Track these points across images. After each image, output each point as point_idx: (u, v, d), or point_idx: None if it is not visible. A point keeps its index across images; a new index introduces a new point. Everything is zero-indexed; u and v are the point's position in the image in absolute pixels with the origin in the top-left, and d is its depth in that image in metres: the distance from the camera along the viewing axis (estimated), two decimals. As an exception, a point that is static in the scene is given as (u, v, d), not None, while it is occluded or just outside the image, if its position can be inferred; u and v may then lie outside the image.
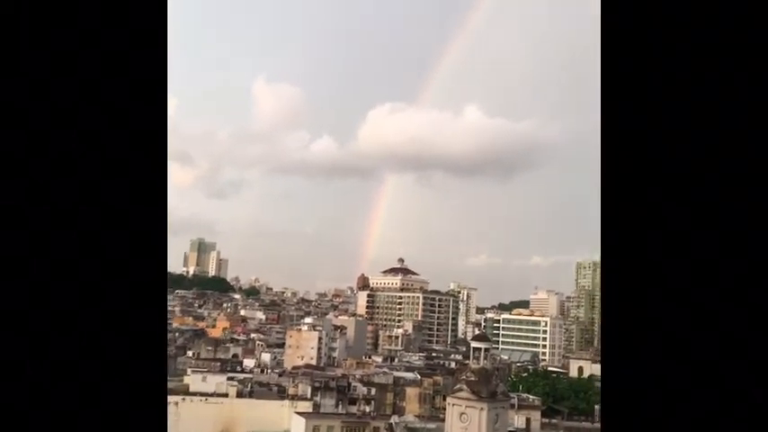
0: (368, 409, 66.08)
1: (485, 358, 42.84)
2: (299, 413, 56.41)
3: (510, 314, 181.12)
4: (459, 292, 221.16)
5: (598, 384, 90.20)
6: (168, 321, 77.48)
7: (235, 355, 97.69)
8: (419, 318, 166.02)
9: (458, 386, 42.44)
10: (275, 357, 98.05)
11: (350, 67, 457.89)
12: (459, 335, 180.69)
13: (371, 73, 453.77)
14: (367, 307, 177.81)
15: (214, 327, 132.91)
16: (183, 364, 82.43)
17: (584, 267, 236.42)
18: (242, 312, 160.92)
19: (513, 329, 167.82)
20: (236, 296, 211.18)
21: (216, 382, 64.09)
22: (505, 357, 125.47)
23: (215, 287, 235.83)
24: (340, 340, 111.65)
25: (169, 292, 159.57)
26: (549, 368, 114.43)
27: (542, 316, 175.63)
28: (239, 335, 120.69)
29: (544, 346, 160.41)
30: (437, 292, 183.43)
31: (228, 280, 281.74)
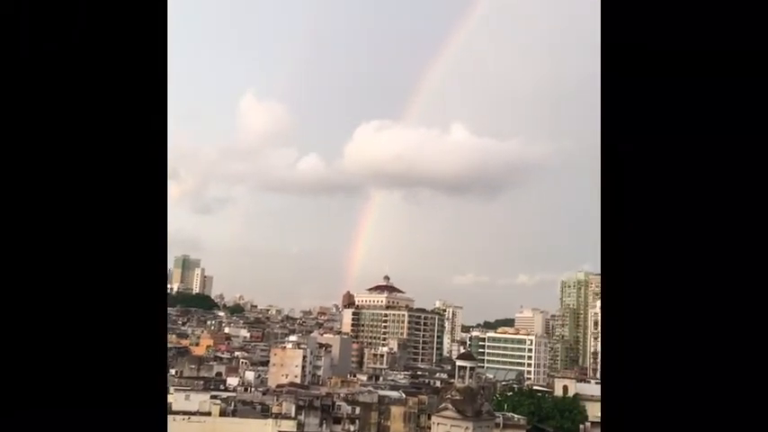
0: (352, 428, 65.50)
1: (470, 377, 42.75)
2: (282, 432, 55.77)
3: (495, 332, 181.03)
4: (445, 311, 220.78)
5: (583, 403, 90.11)
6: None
7: (218, 374, 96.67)
8: (404, 336, 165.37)
9: (443, 405, 42.27)
10: (259, 376, 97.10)
11: (337, 84, 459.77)
12: (445, 353, 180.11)
13: (358, 90, 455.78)
14: (352, 325, 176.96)
15: (198, 344, 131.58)
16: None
17: (569, 286, 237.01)
18: (226, 330, 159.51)
19: (499, 348, 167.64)
20: (221, 313, 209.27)
21: (199, 400, 63.31)
22: (491, 376, 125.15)
23: (199, 304, 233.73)
24: (325, 358, 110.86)
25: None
26: (534, 387, 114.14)
27: (527, 334, 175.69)
28: (223, 353, 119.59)
29: (529, 365, 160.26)
30: (423, 310, 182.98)
31: (213, 297, 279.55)
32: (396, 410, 73.59)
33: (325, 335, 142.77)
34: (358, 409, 71.23)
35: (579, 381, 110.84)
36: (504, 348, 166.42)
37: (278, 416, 63.29)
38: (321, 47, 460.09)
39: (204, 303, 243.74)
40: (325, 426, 65.34)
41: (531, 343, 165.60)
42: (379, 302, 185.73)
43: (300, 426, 62.13)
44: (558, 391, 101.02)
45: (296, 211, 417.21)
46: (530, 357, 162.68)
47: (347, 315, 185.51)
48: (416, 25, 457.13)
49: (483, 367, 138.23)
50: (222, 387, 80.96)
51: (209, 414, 60.79)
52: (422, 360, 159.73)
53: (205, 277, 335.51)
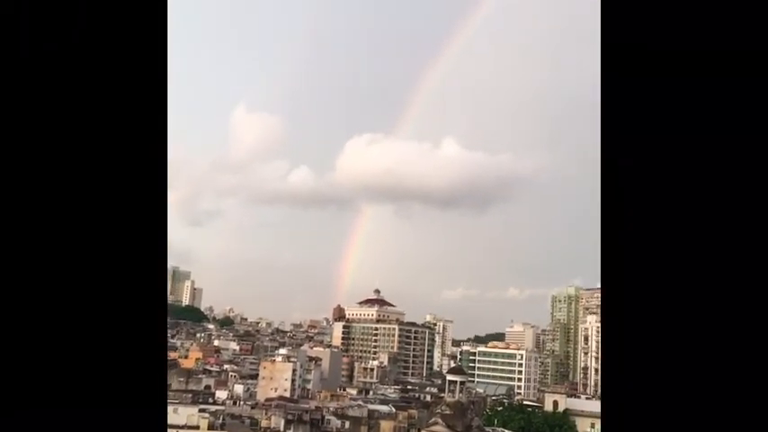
0: (342, 442, 65.01)
1: (460, 391, 42.65)
2: (271, 446, 55.31)
3: (486, 347, 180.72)
4: (436, 324, 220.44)
5: (573, 418, 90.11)
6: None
7: (207, 387, 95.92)
8: (395, 350, 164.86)
9: (433, 420, 42.11)
10: (248, 389, 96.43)
11: (329, 96, 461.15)
12: (435, 367, 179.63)
13: (350, 103, 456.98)
14: (342, 338, 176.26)
15: (187, 357, 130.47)
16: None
17: (560, 300, 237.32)
18: (215, 343, 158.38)
19: (489, 362, 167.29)
20: (210, 326, 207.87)
21: (187, 413, 62.81)
22: (481, 390, 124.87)
23: (188, 317, 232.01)
24: (314, 372, 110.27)
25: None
26: (525, 402, 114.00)
27: (518, 349, 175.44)
28: (212, 366, 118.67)
29: (519, 380, 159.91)
30: (413, 324, 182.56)
31: (202, 309, 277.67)
32: (385, 425, 73.19)
33: (315, 348, 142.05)
34: (347, 424, 70.80)
35: (569, 396, 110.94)
36: (495, 363, 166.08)
37: (267, 430, 62.85)
38: (313, 60, 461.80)
39: (194, 316, 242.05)
40: (314, 440, 64.86)
41: (522, 357, 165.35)
42: (370, 316, 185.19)
43: (289, 440, 61.65)
44: (549, 406, 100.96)
45: (287, 224, 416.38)
46: (520, 372, 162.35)
47: (337, 328, 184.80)
48: (410, 39, 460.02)
49: (473, 382, 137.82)
50: (211, 400, 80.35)
51: (197, 428, 60.29)
52: (412, 374, 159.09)
53: (195, 289, 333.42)
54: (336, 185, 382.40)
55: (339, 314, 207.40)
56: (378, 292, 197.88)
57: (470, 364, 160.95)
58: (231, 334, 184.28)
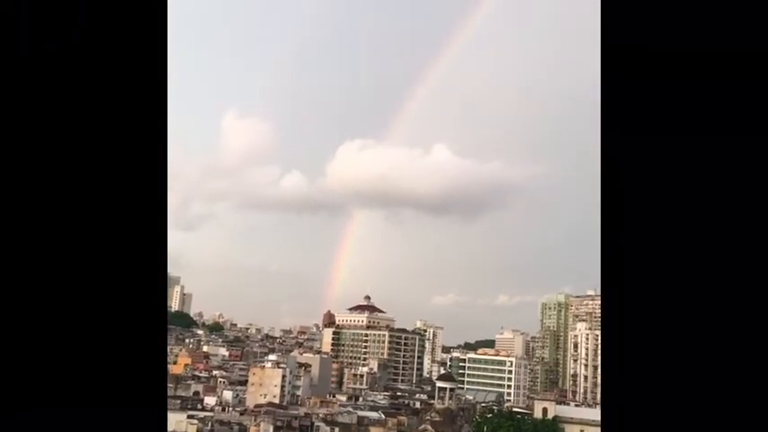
0: (331, 448, 64.75)
1: (450, 398, 42.60)
2: (261, 452, 55.01)
3: (475, 353, 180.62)
4: (426, 331, 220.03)
5: (562, 426, 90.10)
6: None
7: (196, 393, 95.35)
8: (385, 356, 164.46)
9: (422, 426, 42.03)
10: (237, 395, 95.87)
11: (320, 102, 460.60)
12: (425, 374, 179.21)
13: (341, 109, 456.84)
14: (332, 344, 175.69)
15: (176, 363, 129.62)
16: (141, 400, 79.90)
17: (549, 308, 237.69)
18: (205, 348, 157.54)
19: (479, 369, 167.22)
20: (200, 332, 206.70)
21: (176, 420, 62.41)
22: (470, 397, 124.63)
23: (178, 322, 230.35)
24: (304, 378, 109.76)
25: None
26: (514, 409, 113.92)
27: (508, 356, 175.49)
28: (201, 372, 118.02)
29: (509, 387, 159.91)
30: (403, 331, 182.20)
31: (192, 315, 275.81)
32: (375, 431, 72.98)
33: (304, 354, 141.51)
34: (337, 430, 70.55)
35: (559, 403, 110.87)
36: (485, 370, 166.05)
37: (256, 436, 62.49)
38: (306, 65, 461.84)
39: (183, 321, 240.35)
40: (303, 446, 64.60)
41: (512, 364, 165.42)
42: (360, 322, 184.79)
43: (279, 446, 61.37)
44: (538, 413, 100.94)
45: (278, 230, 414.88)
46: (510, 379, 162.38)
47: (327, 334, 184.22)
48: (403, 44, 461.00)
49: (463, 388, 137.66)
50: (199, 406, 79.90)
51: (186, 434, 59.91)
52: (402, 381, 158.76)
53: (184, 295, 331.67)
54: (328, 191, 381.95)
55: (329, 320, 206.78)
56: (368, 298, 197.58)
57: (460, 371, 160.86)
58: (220, 340, 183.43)
